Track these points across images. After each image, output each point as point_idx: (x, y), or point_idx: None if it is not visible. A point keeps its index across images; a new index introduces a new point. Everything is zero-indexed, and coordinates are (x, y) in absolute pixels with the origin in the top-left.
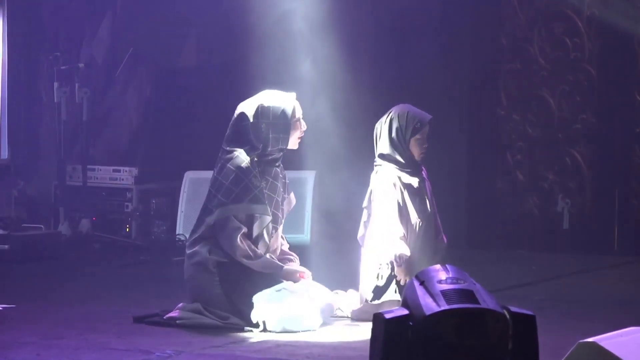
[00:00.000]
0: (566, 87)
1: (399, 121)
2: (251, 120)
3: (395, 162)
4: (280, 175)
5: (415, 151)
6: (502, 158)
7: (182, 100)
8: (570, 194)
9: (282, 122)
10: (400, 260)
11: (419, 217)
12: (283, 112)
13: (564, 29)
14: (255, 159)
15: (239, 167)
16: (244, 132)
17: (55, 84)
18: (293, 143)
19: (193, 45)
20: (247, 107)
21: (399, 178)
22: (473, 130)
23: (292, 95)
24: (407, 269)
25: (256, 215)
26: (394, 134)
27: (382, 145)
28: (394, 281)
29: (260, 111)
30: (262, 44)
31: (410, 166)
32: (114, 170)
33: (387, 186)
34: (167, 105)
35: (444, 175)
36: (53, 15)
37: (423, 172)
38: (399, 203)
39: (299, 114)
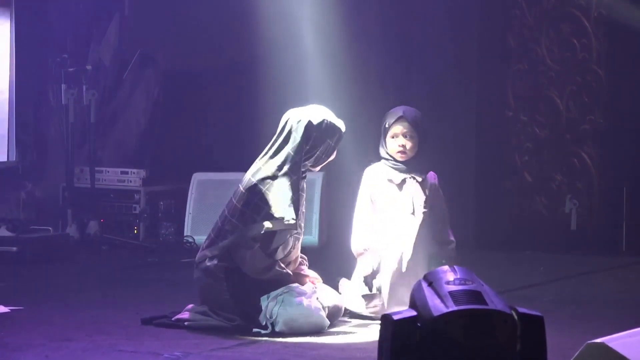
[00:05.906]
0: (574, 88)
1: (383, 119)
2: (317, 133)
3: (383, 158)
4: (305, 186)
5: (390, 148)
6: (510, 159)
7: (190, 102)
8: (578, 194)
9: (333, 146)
10: (357, 254)
11: (404, 214)
12: (338, 136)
13: (571, 30)
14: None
15: (291, 178)
16: (306, 141)
17: (63, 86)
18: (321, 166)
19: (201, 46)
20: (312, 117)
21: (383, 173)
22: (481, 131)
23: (342, 123)
24: (363, 261)
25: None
26: (382, 132)
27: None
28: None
29: (325, 127)
30: (271, 46)
31: (395, 163)
32: (122, 172)
33: (362, 182)
34: (175, 106)
35: (452, 176)
36: (61, 17)
37: (430, 176)
38: (372, 198)
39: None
